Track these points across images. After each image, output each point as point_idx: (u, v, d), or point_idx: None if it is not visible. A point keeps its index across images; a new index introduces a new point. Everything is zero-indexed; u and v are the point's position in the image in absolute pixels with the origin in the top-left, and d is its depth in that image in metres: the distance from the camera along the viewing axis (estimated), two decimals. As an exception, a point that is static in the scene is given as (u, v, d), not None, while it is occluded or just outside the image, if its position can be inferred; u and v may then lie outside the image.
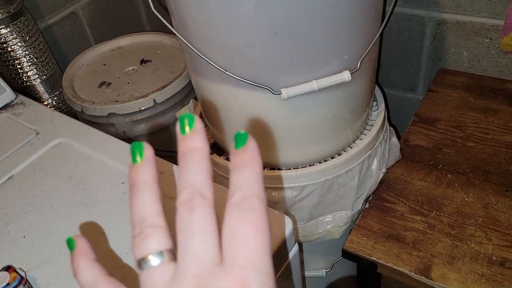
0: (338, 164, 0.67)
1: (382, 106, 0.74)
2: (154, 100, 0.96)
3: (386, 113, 0.74)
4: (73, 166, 0.63)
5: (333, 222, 0.70)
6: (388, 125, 0.75)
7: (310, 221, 0.70)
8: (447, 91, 0.88)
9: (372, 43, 0.59)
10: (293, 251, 0.53)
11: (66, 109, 1.07)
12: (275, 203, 0.68)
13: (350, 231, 0.69)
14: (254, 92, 0.59)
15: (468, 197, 0.70)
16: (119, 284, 0.28)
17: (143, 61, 1.08)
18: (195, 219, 0.25)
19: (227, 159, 0.71)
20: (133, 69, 1.07)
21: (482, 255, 0.62)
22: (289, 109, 0.61)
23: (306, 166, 0.68)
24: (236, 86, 0.60)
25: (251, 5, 0.51)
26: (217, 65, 0.57)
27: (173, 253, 0.26)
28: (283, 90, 0.57)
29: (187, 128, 0.26)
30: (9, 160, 0.65)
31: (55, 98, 1.04)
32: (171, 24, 0.61)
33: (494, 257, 0.62)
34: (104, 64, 1.09)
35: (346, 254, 0.67)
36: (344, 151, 0.69)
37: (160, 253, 0.26)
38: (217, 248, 0.25)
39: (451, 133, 0.80)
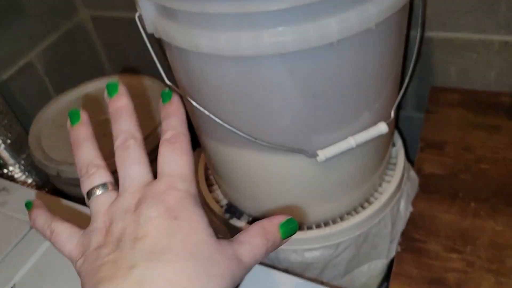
0: (372, 214, 0.63)
1: (400, 142, 0.71)
2: (139, 153, 0.89)
3: (404, 149, 0.71)
4: (87, 263, 0.55)
5: (368, 273, 0.67)
6: (406, 160, 0.73)
7: (345, 276, 0.66)
8: (446, 111, 0.87)
9: (402, 90, 0.56)
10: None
11: (35, 171, 0.97)
12: (310, 264, 0.63)
13: (388, 280, 0.65)
14: (286, 157, 0.54)
15: (497, 226, 0.68)
16: (66, 222, 0.35)
17: (116, 109, 0.99)
18: (130, 154, 0.33)
19: (249, 222, 0.66)
20: (107, 119, 0.98)
21: (529, 289, 0.61)
22: (322, 168, 0.56)
23: (337, 220, 0.63)
24: (264, 152, 0.54)
25: (287, 71, 0.46)
26: (244, 133, 0.52)
27: (115, 186, 0.34)
28: (320, 152, 0.52)
29: (114, 93, 0.34)
30: (6, 265, 0.56)
31: (22, 161, 0.94)
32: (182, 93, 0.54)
33: (542, 289, 0.61)
34: (73, 117, 0.99)
35: (390, 307, 0.63)
36: (372, 196, 0.66)
37: (104, 185, 0.33)
38: (148, 171, 0.33)
39: (462, 157, 0.78)
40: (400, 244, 0.69)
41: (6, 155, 0.91)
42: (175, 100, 0.34)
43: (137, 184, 0.32)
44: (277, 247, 0.33)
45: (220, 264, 0.29)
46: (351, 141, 0.53)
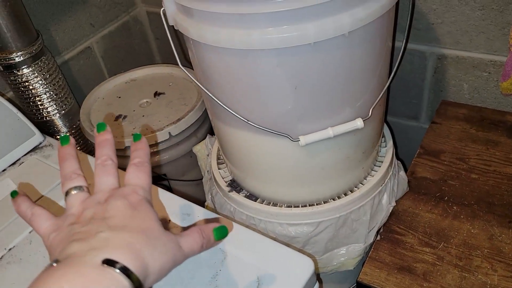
0: (351, 201, 0.71)
1: (390, 143, 0.78)
2: (169, 133, 1.01)
3: (394, 150, 0.78)
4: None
5: (346, 255, 0.75)
6: (396, 160, 0.80)
7: (325, 254, 0.74)
8: (450, 123, 0.93)
9: (382, 93, 0.64)
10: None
11: (83, 141, 1.11)
12: (293, 238, 0.72)
13: (363, 262, 0.73)
14: (274, 139, 0.64)
15: (473, 229, 0.74)
16: (45, 208, 0.43)
17: (156, 94, 1.12)
18: (107, 169, 0.43)
19: (247, 196, 0.76)
20: (147, 102, 1.11)
21: (488, 286, 0.67)
22: (306, 153, 0.65)
23: (321, 203, 0.72)
24: (257, 133, 0.64)
25: (273, 65, 0.56)
26: (240, 115, 0.62)
27: (89, 191, 0.43)
28: (301, 138, 0.62)
29: (101, 130, 0.45)
30: (45, 202, 0.69)
31: (72, 131, 1.09)
32: (196, 78, 0.65)
33: (500, 288, 0.66)
34: (119, 97, 1.14)
35: (361, 286, 0.71)
36: (356, 187, 0.74)
37: (81, 187, 0.42)
38: (118, 183, 0.43)
39: (455, 165, 0.84)
40: (380, 233, 0.76)
41: (59, 123, 1.06)
42: (143, 139, 0.45)
43: (108, 187, 0.42)
44: (212, 246, 0.43)
45: (165, 244, 0.38)
46: (330, 132, 0.62)
